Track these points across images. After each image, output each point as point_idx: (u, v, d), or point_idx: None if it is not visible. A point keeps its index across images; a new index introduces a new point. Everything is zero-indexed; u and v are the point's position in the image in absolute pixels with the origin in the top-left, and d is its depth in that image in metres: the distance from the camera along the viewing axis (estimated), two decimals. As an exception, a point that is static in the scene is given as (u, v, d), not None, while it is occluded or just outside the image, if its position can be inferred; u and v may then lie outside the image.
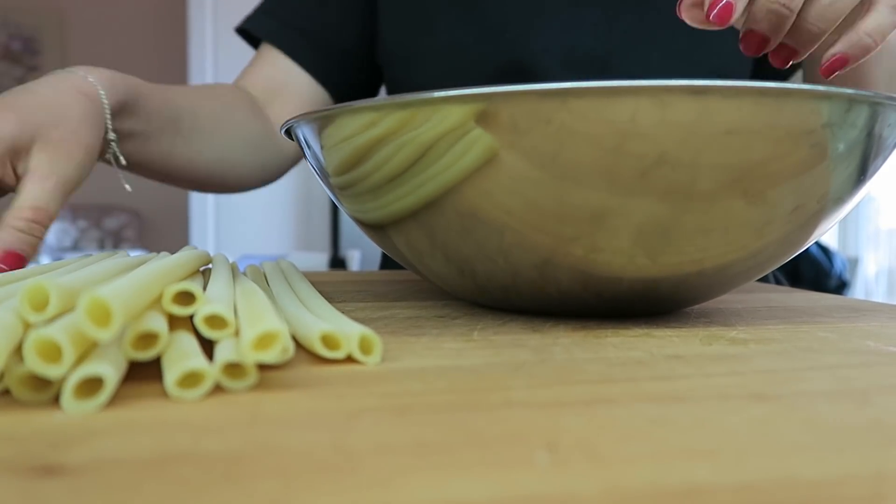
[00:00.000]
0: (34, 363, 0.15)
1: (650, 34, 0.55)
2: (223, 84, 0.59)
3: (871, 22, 0.30)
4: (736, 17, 0.29)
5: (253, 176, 0.59)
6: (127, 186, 0.47)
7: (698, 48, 0.55)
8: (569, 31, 0.55)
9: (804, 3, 0.30)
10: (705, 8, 0.30)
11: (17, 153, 0.35)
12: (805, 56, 0.32)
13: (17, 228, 0.33)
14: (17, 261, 0.33)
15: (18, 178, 0.36)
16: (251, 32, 0.62)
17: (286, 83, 0.61)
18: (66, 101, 0.38)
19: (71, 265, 0.31)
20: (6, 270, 0.32)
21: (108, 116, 0.41)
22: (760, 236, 0.26)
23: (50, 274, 0.27)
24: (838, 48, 0.30)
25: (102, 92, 0.41)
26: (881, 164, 0.27)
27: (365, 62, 0.64)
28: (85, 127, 0.38)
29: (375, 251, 2.17)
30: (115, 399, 0.16)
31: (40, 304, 0.17)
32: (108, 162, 0.44)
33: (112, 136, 0.42)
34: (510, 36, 0.56)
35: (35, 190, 0.34)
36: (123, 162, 0.44)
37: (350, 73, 0.63)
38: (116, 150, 0.43)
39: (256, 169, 0.59)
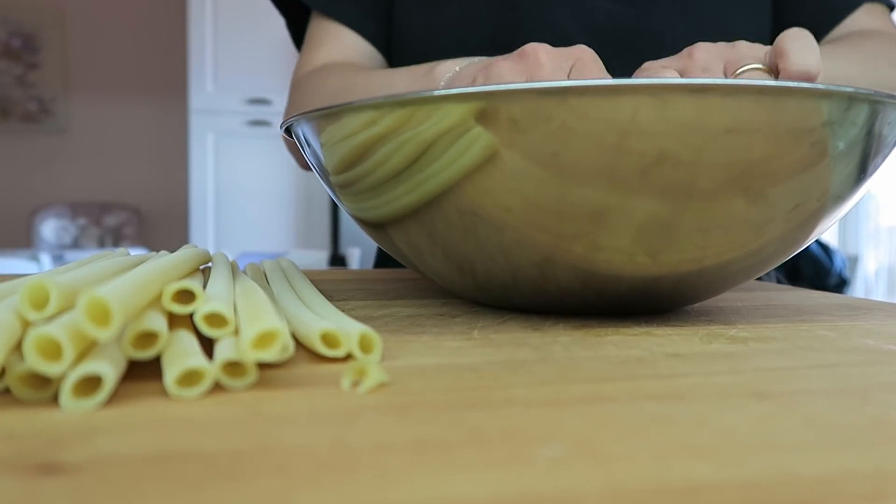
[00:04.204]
0: (34, 361, 0.15)
1: (666, 13, 0.55)
2: (338, 64, 0.57)
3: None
4: None
5: None
6: None
7: (716, 26, 0.55)
8: (582, 7, 0.55)
9: None
10: None
11: None
12: None
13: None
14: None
15: None
16: (303, 2, 0.61)
17: (360, 56, 0.60)
18: None
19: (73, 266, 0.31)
20: None
21: None
22: (760, 234, 0.26)
23: (49, 272, 0.27)
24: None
25: None
26: (881, 163, 0.27)
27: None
28: None
29: (376, 249, 2.18)
30: (116, 397, 0.16)
31: (40, 303, 0.17)
32: None
33: None
34: (523, 10, 0.56)
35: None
36: None
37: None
38: None
39: None
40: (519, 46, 0.58)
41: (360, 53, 0.60)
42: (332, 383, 0.18)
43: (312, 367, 0.20)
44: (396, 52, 0.63)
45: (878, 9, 0.58)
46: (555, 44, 0.56)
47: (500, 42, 0.56)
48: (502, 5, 0.57)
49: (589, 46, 0.57)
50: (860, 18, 0.57)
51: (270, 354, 0.17)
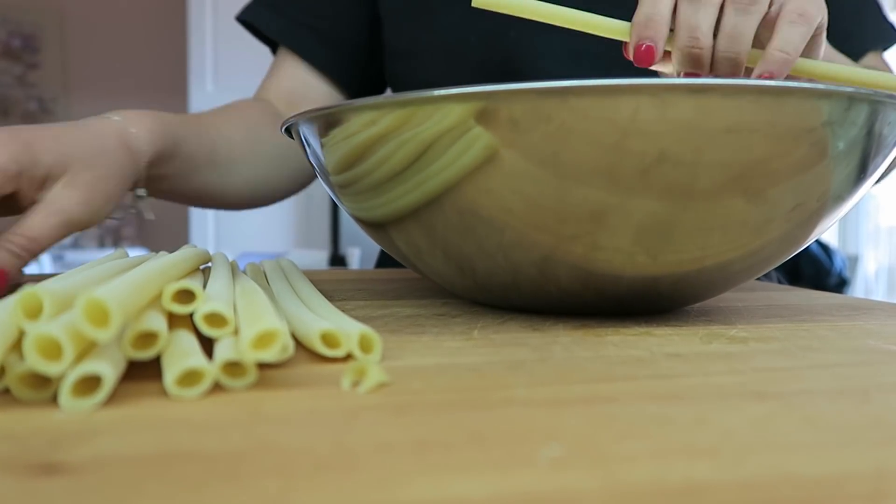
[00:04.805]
0: (34, 360, 0.15)
1: None
2: (247, 101, 0.59)
3: (779, 39, 0.31)
4: (657, 60, 0.31)
5: (282, 188, 0.60)
6: (150, 216, 0.47)
7: None
8: (573, 32, 0.55)
9: (715, 37, 0.31)
10: (630, 51, 0.32)
11: (45, 181, 0.36)
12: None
13: (7, 249, 0.34)
14: (1, 276, 0.34)
15: (32, 203, 0.36)
16: (260, 30, 0.62)
17: (306, 94, 0.61)
18: (105, 149, 0.39)
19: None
20: None
21: (143, 171, 0.43)
22: (760, 234, 0.26)
23: (48, 281, 0.27)
24: (758, 70, 0.32)
25: (144, 147, 0.42)
26: (881, 163, 0.27)
27: (374, 57, 0.64)
28: (115, 178, 0.39)
29: (376, 249, 2.17)
30: (116, 397, 0.16)
31: (35, 313, 0.17)
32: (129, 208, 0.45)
33: (141, 191, 0.44)
34: (513, 35, 0.56)
35: (37, 220, 0.35)
36: (150, 216, 0.45)
37: (362, 70, 0.63)
38: (141, 202, 0.45)
39: (286, 181, 0.60)
40: (509, 72, 0.57)
41: (302, 83, 0.62)
42: (332, 383, 0.18)
43: (312, 367, 0.20)
44: (391, 79, 0.64)
45: (879, 55, 0.61)
46: (546, 69, 0.56)
47: (491, 68, 0.56)
48: (491, 31, 0.56)
49: (581, 70, 0.57)
50: (865, 62, 0.59)
51: (270, 354, 0.17)
